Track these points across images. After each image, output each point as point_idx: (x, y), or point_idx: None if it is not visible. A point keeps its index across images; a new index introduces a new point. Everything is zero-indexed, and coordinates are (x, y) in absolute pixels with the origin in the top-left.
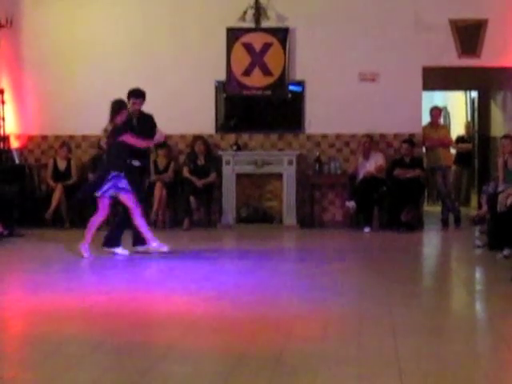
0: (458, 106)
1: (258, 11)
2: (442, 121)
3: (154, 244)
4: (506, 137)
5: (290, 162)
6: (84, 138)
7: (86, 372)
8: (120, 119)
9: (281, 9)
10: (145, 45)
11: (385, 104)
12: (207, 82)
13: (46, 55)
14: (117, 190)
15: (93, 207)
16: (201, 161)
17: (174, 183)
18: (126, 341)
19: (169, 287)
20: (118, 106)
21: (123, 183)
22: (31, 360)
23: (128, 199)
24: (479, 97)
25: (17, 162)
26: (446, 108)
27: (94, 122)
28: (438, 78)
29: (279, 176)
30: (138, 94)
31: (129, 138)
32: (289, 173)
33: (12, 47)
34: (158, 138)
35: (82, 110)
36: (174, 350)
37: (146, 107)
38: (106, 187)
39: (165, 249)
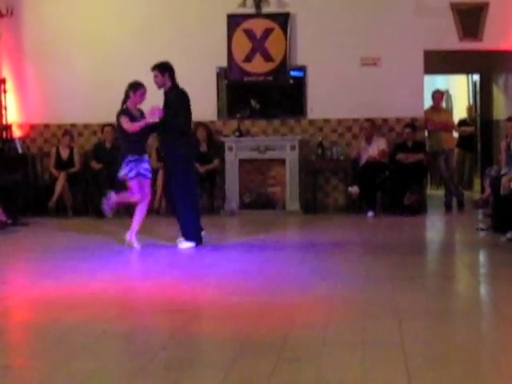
0: (459, 90)
1: None
2: (444, 104)
3: (130, 237)
4: (510, 119)
5: (293, 148)
6: (86, 126)
7: (91, 359)
8: (134, 101)
9: None
10: (146, 32)
11: (386, 88)
12: (208, 68)
13: (47, 44)
14: (138, 174)
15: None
16: (203, 147)
17: None
18: (131, 328)
19: (172, 274)
20: (127, 88)
21: (142, 168)
22: (38, 348)
23: (134, 185)
24: (481, 80)
25: (19, 151)
26: (447, 91)
27: (96, 110)
28: (439, 62)
29: (282, 161)
30: (153, 68)
31: (123, 122)
32: (291, 158)
33: (13, 36)
34: (149, 118)
35: (83, 98)
36: (178, 336)
37: (151, 93)
38: (126, 170)
39: (137, 246)
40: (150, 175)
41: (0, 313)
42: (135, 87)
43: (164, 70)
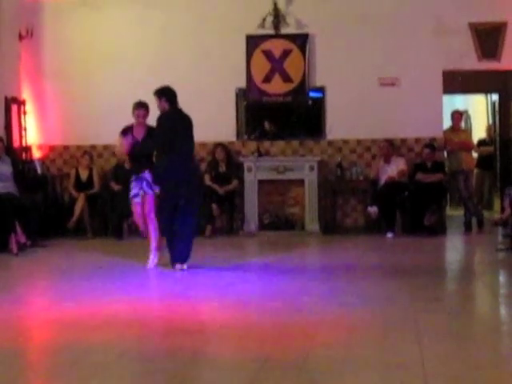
0: (478, 110)
1: (277, 18)
2: (463, 124)
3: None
4: None
5: (312, 168)
6: (105, 147)
7: (111, 380)
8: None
9: (300, 15)
10: (165, 53)
11: (405, 108)
12: (227, 89)
13: (67, 65)
14: (137, 193)
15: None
16: (222, 168)
17: None
18: (152, 348)
19: (192, 295)
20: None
21: (144, 184)
22: (57, 369)
23: (133, 207)
24: (500, 100)
25: (39, 172)
26: (467, 112)
27: (115, 130)
28: (458, 82)
29: (301, 182)
30: (153, 93)
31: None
32: (310, 179)
33: (33, 58)
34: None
35: (103, 119)
36: (199, 356)
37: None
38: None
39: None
40: (150, 191)
41: (20, 333)
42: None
43: (160, 94)
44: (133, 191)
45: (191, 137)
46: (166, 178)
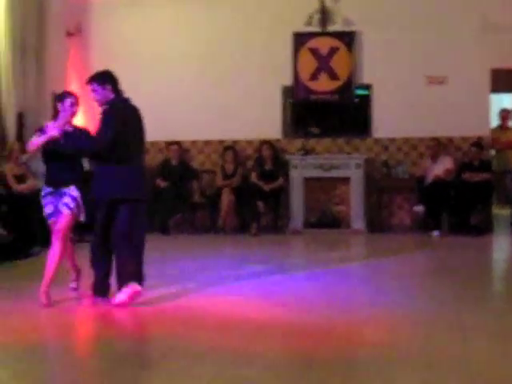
0: None
1: (324, 15)
2: (511, 123)
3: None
4: None
5: (358, 166)
6: (153, 144)
7: (159, 377)
8: (64, 116)
9: (347, 12)
10: (211, 51)
11: (453, 107)
12: (274, 87)
13: (115, 63)
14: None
15: None
16: (268, 165)
17: (241, 188)
18: (195, 345)
19: (237, 292)
20: (54, 102)
21: (61, 203)
22: (104, 365)
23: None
24: None
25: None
26: None
27: (160, 128)
28: (506, 80)
29: (347, 180)
30: (88, 81)
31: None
32: (356, 176)
33: (81, 55)
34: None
35: (148, 117)
36: (243, 354)
37: (213, 113)
38: (44, 207)
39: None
40: (68, 210)
41: (67, 328)
42: (61, 97)
43: (104, 81)
44: (46, 210)
45: (142, 138)
46: (104, 196)
